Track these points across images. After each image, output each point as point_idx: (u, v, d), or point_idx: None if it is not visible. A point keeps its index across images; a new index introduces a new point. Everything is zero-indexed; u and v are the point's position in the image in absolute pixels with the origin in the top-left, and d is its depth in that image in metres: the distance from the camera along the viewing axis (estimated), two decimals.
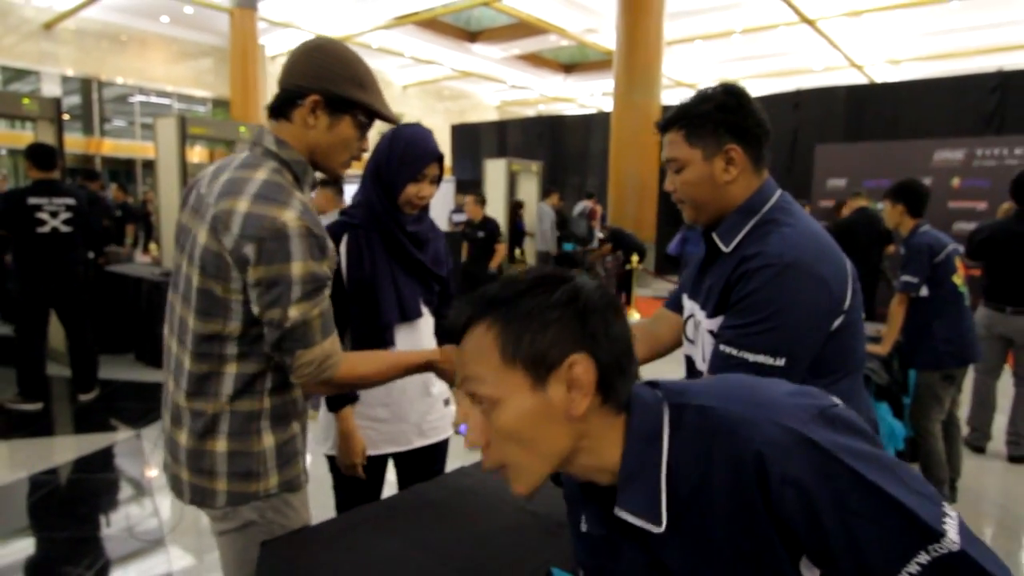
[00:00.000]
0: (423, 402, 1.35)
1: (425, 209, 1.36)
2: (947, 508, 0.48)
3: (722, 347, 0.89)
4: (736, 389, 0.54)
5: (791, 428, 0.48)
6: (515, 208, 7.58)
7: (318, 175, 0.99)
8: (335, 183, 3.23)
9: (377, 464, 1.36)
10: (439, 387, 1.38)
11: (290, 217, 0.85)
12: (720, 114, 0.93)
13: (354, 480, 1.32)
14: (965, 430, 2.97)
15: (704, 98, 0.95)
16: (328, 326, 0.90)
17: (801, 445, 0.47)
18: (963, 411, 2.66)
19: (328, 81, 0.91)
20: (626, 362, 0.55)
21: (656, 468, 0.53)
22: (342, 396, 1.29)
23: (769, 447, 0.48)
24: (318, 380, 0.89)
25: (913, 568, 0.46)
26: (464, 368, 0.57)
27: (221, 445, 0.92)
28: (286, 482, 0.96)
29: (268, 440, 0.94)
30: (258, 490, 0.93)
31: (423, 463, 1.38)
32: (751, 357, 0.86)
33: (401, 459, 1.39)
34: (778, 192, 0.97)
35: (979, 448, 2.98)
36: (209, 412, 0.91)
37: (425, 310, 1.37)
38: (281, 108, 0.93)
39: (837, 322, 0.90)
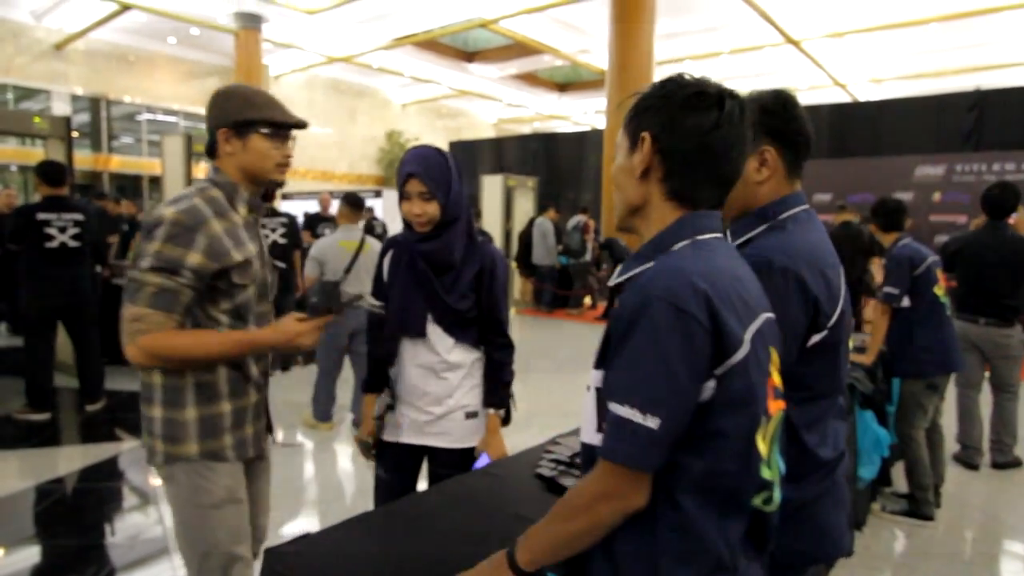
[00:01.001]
0: (436, 407, 1.41)
1: (447, 228, 1.32)
2: (652, 421, 0.63)
3: None
4: (710, 259, 0.70)
5: (655, 290, 0.65)
6: (532, 224, 7.73)
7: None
8: (353, 201, 3.27)
9: (407, 453, 1.45)
10: (456, 398, 1.42)
11: (169, 212, 1.08)
12: (761, 115, 0.93)
13: (393, 469, 1.46)
14: (955, 447, 2.96)
15: (752, 99, 0.95)
16: (158, 301, 1.06)
17: (647, 298, 0.65)
18: (946, 419, 2.69)
19: (226, 114, 1.16)
20: (695, 160, 0.71)
21: (641, 264, 0.73)
22: (367, 383, 1.46)
23: (647, 281, 0.66)
24: (131, 339, 1.07)
25: (616, 410, 0.65)
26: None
27: (157, 411, 1.13)
28: (208, 452, 1.15)
29: (191, 413, 1.13)
30: (181, 453, 1.13)
31: (448, 465, 1.43)
32: None
33: (432, 459, 1.46)
34: (802, 206, 0.96)
35: (972, 465, 2.91)
36: (148, 382, 1.14)
37: (436, 330, 1.36)
38: (210, 149, 1.20)
39: (817, 337, 0.88)
